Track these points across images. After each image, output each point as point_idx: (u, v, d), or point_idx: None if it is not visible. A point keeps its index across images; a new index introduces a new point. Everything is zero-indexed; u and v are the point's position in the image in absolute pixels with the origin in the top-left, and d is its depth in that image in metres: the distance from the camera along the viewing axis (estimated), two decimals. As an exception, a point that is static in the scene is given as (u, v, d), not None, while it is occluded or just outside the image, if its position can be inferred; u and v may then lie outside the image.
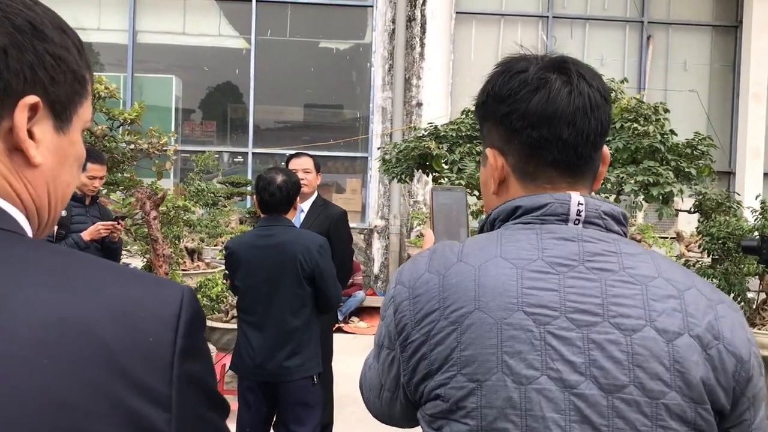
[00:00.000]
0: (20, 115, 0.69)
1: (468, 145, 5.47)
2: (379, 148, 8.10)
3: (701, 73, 10.54)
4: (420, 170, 5.93)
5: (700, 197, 5.99)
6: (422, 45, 9.81)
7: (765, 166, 10.13)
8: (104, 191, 5.92)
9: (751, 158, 10.06)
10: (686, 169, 4.98)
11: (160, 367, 0.64)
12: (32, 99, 0.69)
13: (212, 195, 8.14)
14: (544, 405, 0.92)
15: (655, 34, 10.43)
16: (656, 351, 0.93)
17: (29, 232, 0.72)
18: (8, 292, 0.61)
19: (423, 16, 9.79)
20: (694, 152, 5.18)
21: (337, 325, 6.85)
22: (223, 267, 6.54)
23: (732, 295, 4.76)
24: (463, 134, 5.67)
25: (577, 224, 1.03)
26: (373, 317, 8.12)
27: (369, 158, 9.98)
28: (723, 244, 4.93)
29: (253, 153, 10.18)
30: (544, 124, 1.04)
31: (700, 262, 5.58)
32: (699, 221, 6.04)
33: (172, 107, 10.21)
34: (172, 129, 9.60)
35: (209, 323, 5.22)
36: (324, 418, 3.73)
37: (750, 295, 5.06)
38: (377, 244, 9.86)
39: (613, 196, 4.91)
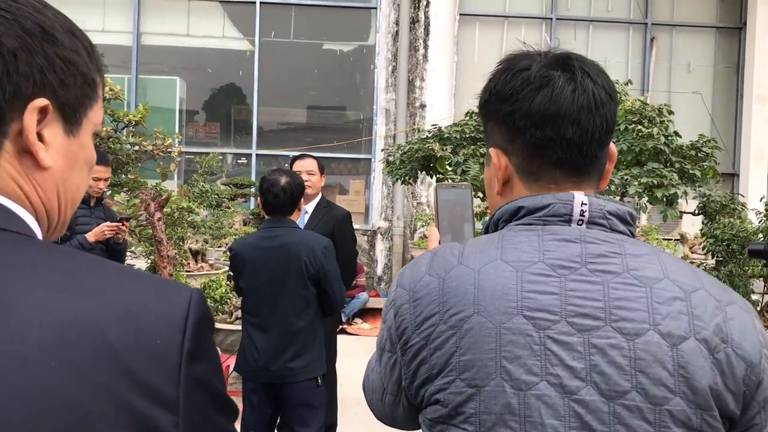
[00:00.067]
0: (29, 117, 0.69)
1: (472, 146, 5.47)
2: (382, 150, 8.11)
3: (705, 74, 10.52)
4: (424, 172, 5.93)
5: (705, 199, 5.99)
6: (426, 47, 9.81)
7: (769, 167, 10.12)
8: (109, 192, 5.93)
9: (755, 160, 10.04)
10: (690, 171, 4.97)
11: (167, 369, 0.64)
12: (41, 102, 0.69)
13: (216, 196, 8.15)
14: (544, 411, 0.90)
15: (658, 36, 10.42)
16: (660, 356, 0.90)
17: (39, 235, 0.73)
18: (18, 294, 0.62)
19: (426, 17, 9.80)
20: (699, 154, 5.18)
21: (340, 327, 6.85)
22: (227, 268, 6.55)
23: (736, 297, 4.74)
24: (467, 136, 5.67)
25: (580, 225, 1.01)
26: (377, 319, 8.12)
27: (372, 160, 9.98)
28: (727, 246, 4.92)
29: (256, 154, 10.19)
30: (548, 124, 1.01)
31: (704, 264, 5.57)
32: (703, 223, 6.04)
33: (176, 109, 10.22)
34: (176, 130, 9.62)
35: (213, 324, 5.22)
36: (328, 419, 3.73)
37: (754, 297, 5.05)
38: (380, 246, 9.85)
39: (618, 198, 4.90)
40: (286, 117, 10.76)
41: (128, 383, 0.61)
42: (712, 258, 5.33)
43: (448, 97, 9.84)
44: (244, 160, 10.42)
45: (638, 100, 5.44)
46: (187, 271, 6.47)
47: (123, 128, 6.18)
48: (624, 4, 10.43)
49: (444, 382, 0.95)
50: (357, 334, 7.79)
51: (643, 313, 0.92)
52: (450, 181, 5.21)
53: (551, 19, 10.26)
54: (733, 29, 10.44)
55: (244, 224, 8.82)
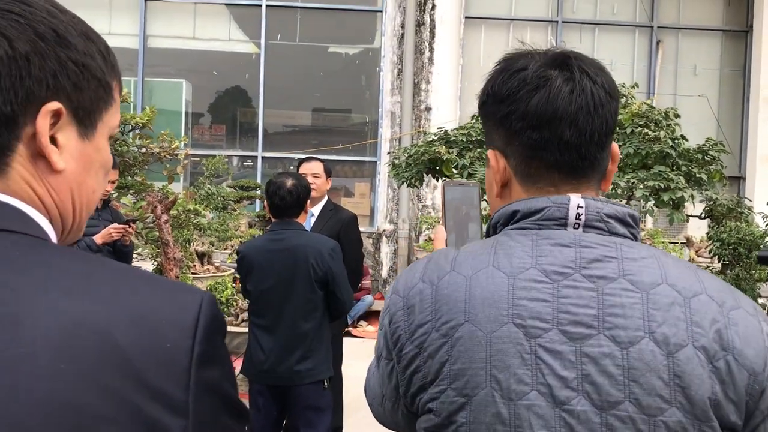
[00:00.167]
0: (42, 121, 0.69)
1: (478, 149, 5.47)
2: (388, 153, 8.10)
3: (711, 78, 10.49)
4: (430, 175, 5.93)
5: (711, 202, 5.97)
6: (431, 50, 9.81)
7: (776, 171, 10.08)
8: (116, 195, 5.95)
9: (761, 163, 10.00)
10: (697, 175, 4.95)
11: (176, 373, 0.64)
12: (54, 105, 0.70)
13: (222, 199, 8.17)
14: (534, 422, 0.88)
15: (664, 39, 10.40)
16: (654, 364, 0.87)
17: (53, 237, 0.73)
18: (32, 297, 0.62)
19: (432, 20, 9.80)
20: (705, 157, 5.16)
21: (345, 329, 6.85)
22: (233, 270, 6.56)
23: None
24: (473, 139, 5.66)
25: (576, 228, 0.97)
26: (382, 321, 8.11)
27: (378, 162, 9.98)
28: (734, 249, 4.90)
29: (262, 157, 10.20)
30: (545, 125, 0.98)
31: (711, 268, 5.56)
32: (709, 226, 6.02)
33: (182, 111, 10.25)
34: (183, 133, 9.64)
35: (219, 327, 5.22)
36: (334, 422, 3.73)
37: (761, 300, 5.03)
38: (386, 249, 9.85)
39: (624, 201, 4.89)
40: (292, 120, 10.77)
41: (138, 387, 0.61)
42: (719, 261, 5.32)
43: (453, 100, 9.83)
44: (249, 163, 10.43)
45: (645, 103, 5.43)
46: (193, 273, 6.48)
47: (130, 131, 6.20)
48: (630, 7, 10.41)
49: (436, 391, 0.93)
50: (362, 337, 7.79)
51: (638, 320, 0.89)
52: (457, 183, 5.20)
53: (557, 22, 10.25)
54: (739, 32, 10.42)
55: (250, 227, 8.83)
